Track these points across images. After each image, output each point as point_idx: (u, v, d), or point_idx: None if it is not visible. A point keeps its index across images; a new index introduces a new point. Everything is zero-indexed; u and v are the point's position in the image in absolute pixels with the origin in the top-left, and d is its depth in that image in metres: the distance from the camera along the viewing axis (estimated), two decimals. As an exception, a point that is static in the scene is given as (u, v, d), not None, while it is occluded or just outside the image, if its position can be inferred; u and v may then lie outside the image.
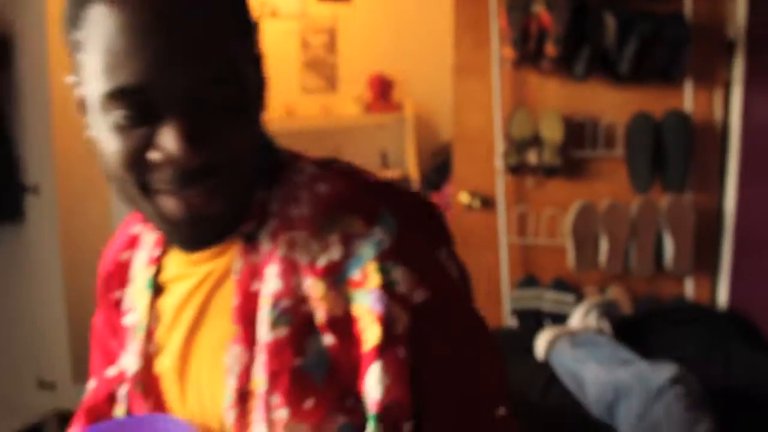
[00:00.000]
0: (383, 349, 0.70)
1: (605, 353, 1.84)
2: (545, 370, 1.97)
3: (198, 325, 0.80)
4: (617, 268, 2.49)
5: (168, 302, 0.83)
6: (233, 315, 0.75)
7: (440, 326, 0.73)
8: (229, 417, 0.75)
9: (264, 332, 0.73)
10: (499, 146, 2.52)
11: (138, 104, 0.67)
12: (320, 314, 0.72)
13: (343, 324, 0.72)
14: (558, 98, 2.51)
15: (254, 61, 0.76)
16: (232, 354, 0.75)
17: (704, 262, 2.53)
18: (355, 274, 0.72)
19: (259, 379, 0.73)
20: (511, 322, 2.55)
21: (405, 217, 0.75)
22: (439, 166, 3.18)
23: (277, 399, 0.72)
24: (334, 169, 0.80)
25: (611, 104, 2.50)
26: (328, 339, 0.72)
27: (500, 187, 2.55)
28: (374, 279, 0.71)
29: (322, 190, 0.76)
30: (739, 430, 1.55)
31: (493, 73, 2.51)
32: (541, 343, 2.05)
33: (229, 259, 0.78)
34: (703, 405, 1.48)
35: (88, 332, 1.00)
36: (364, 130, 3.44)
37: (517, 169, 2.51)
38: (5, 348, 2.83)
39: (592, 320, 2.11)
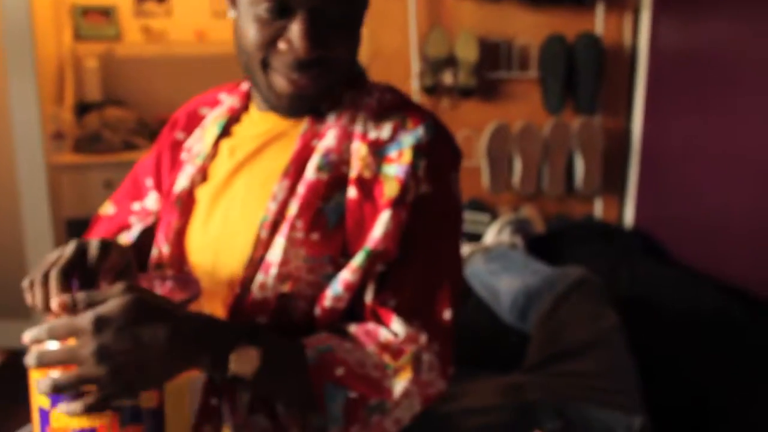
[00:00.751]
0: (396, 204, 0.91)
1: (518, 265, 1.90)
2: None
3: (245, 164, 0.99)
4: (530, 188, 2.55)
5: (229, 142, 1.03)
6: (291, 157, 0.95)
7: (428, 218, 0.93)
8: (263, 233, 0.93)
9: (310, 172, 0.93)
10: (415, 66, 2.52)
11: (279, 4, 0.87)
12: (354, 171, 0.93)
13: (368, 184, 0.93)
14: (473, 18, 2.51)
15: None
16: (282, 186, 0.94)
17: (612, 183, 2.62)
18: (393, 154, 0.94)
19: (293, 207, 0.93)
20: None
21: (440, 134, 0.96)
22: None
23: (300, 223, 0.92)
24: (401, 92, 1.02)
25: (525, 25, 2.52)
26: (352, 192, 0.93)
27: (416, 108, 2.55)
28: (407, 158, 0.93)
29: (388, 97, 0.99)
30: (642, 335, 1.63)
31: (408, -9, 2.49)
32: (457, 259, 2.09)
33: (294, 123, 0.98)
34: (609, 304, 1.55)
35: None
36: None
37: (432, 90, 2.52)
38: None
39: (506, 236, 2.16)
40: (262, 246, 0.93)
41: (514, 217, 2.28)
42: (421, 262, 0.93)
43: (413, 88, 2.53)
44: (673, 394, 1.47)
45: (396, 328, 0.90)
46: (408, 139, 0.94)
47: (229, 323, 0.88)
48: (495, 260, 1.98)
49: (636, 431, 1.19)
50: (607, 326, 1.45)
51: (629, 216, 2.60)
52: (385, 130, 0.95)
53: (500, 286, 1.83)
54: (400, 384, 0.88)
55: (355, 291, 0.91)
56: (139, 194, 1.16)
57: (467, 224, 2.53)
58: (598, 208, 2.63)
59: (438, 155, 0.95)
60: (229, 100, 1.09)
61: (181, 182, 1.04)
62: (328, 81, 0.93)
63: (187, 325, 0.77)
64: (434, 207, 0.94)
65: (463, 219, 1.01)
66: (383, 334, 0.90)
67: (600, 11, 2.50)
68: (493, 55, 2.52)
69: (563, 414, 1.19)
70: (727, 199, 2.16)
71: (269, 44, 0.89)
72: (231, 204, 0.99)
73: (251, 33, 0.90)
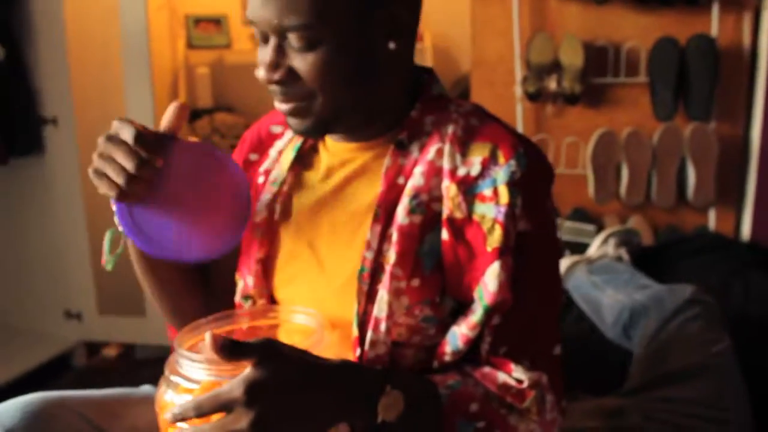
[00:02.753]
0: (503, 253, 0.87)
1: (623, 279, 1.83)
2: (562, 295, 1.96)
3: (330, 199, 0.98)
4: (638, 198, 2.45)
5: (311, 175, 1.02)
6: (377, 199, 0.93)
7: (531, 257, 0.90)
8: (364, 285, 0.91)
9: (401, 216, 0.90)
10: (518, 73, 2.47)
11: (259, 30, 0.89)
12: (445, 211, 0.90)
13: (460, 225, 0.89)
14: (579, 22, 2.44)
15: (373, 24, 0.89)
16: (374, 232, 0.91)
17: (728, 193, 2.48)
18: (487, 191, 0.89)
19: (390, 254, 0.90)
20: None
21: (533, 162, 0.91)
22: (459, 97, 3.13)
23: (399, 272, 0.89)
24: (485, 111, 0.98)
25: (634, 28, 2.42)
26: (444, 234, 0.90)
27: (519, 115, 2.51)
28: (504, 197, 0.88)
29: (474, 123, 0.94)
30: (756, 357, 1.54)
31: (512, -4, 2.45)
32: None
33: (374, 155, 0.96)
34: (720, 326, 1.47)
35: None
36: (382, 62, 3.40)
37: (536, 97, 2.46)
38: (32, 279, 2.87)
39: (611, 248, 2.09)
40: (364, 298, 0.91)
41: (620, 228, 2.20)
42: (528, 304, 0.91)
43: (517, 95, 2.49)
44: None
45: (518, 375, 0.89)
46: (502, 175, 0.89)
47: (368, 368, 0.88)
48: (599, 272, 1.91)
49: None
50: (718, 350, 1.37)
51: (746, 228, 2.46)
52: (475, 166, 0.90)
53: (603, 300, 1.77)
54: (524, 424, 0.87)
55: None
56: None
57: (570, 234, 2.46)
58: (712, 220, 2.50)
59: (533, 188, 0.91)
60: None
61: (261, 211, 1.03)
62: (317, 107, 0.90)
63: (337, 379, 0.79)
64: (535, 245, 0.90)
65: (560, 243, 0.97)
66: (501, 376, 0.89)
67: (715, 11, 2.37)
68: (600, 59, 2.45)
69: (665, 443, 1.13)
70: None
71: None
72: (316, 243, 0.98)
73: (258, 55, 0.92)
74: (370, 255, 0.91)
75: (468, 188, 0.90)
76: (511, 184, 0.88)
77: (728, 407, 1.26)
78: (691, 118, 2.41)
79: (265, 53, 0.88)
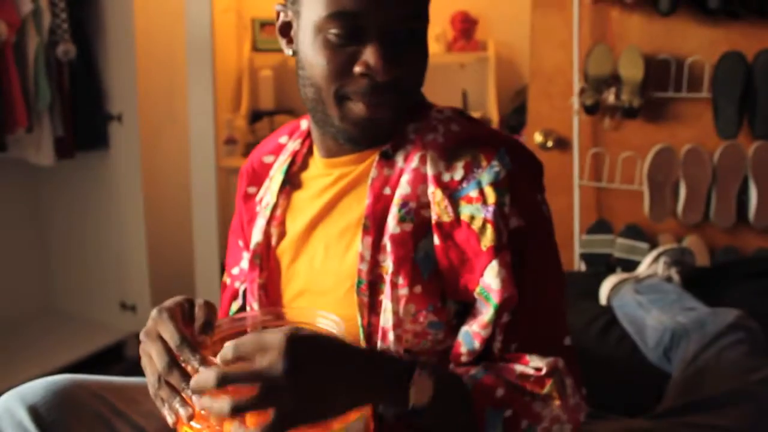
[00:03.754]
0: (497, 250, 0.88)
1: (669, 300, 1.77)
2: (607, 314, 1.91)
3: (323, 216, 0.99)
4: (696, 217, 2.38)
5: (302, 195, 1.02)
6: (366, 211, 0.93)
7: (528, 252, 0.90)
8: (363, 297, 0.92)
9: (392, 226, 0.91)
10: (576, 85, 2.43)
11: (350, 27, 0.86)
12: (434, 217, 0.90)
13: (448, 229, 0.90)
14: (640, 34, 2.38)
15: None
16: (366, 243, 0.92)
17: (793, 215, 2.38)
18: (472, 193, 0.89)
19: (388, 264, 0.91)
20: (580, 266, 2.49)
21: (517, 159, 0.92)
22: (518, 108, 3.09)
23: (401, 280, 0.90)
24: (465, 115, 0.99)
25: (698, 42, 2.35)
26: (435, 239, 0.90)
27: (576, 127, 2.46)
28: (491, 197, 0.89)
29: (454, 129, 0.95)
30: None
31: (573, 6, 2.40)
32: (606, 287, 1.99)
33: (363, 168, 0.96)
34: (764, 353, 1.40)
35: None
36: (445, 69, 3.37)
37: (593, 109, 2.41)
38: (91, 270, 2.97)
39: (661, 267, 2.03)
40: (366, 310, 0.92)
41: (672, 247, 2.13)
42: (534, 299, 0.91)
43: (574, 107, 2.45)
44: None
45: (535, 363, 0.89)
46: (486, 176, 0.90)
47: (398, 356, 0.90)
48: (645, 292, 1.86)
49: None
50: (759, 378, 1.31)
51: (811, 253, 2.35)
52: (458, 172, 0.91)
53: (648, 321, 1.72)
54: (548, 410, 0.86)
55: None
56: (236, 258, 1.16)
57: (622, 251, 2.40)
58: (774, 243, 2.40)
59: (520, 185, 0.91)
60: (290, 144, 1.08)
61: (255, 236, 1.04)
62: (403, 104, 0.92)
63: (370, 361, 0.80)
64: (531, 240, 0.91)
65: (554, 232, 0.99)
66: (518, 368, 0.89)
67: (787, 26, 2.28)
68: (661, 73, 2.38)
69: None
70: None
71: (343, 71, 0.88)
72: (312, 261, 0.99)
73: (321, 62, 0.88)
74: (364, 267, 0.92)
75: (453, 192, 0.91)
76: (497, 184, 0.89)
77: (763, 438, 1.21)
78: (756, 136, 2.32)
79: (374, 52, 0.86)
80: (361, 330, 0.92)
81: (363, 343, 0.92)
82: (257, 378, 0.71)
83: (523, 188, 0.92)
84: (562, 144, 2.51)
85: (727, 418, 1.22)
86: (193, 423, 0.80)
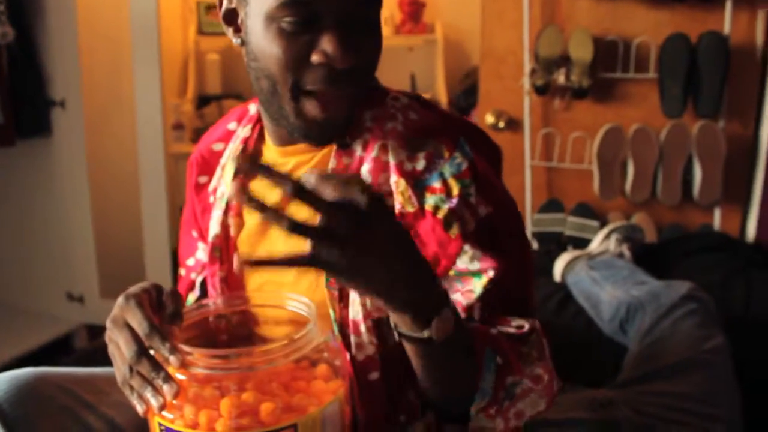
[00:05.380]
0: (467, 237, 0.88)
1: (622, 275, 1.82)
2: (562, 290, 1.96)
3: (281, 206, 0.88)
4: (643, 195, 2.44)
5: (257, 184, 0.92)
6: None
7: (499, 233, 0.90)
8: (333, 291, 0.90)
9: None
10: (527, 66, 2.46)
11: (305, 14, 0.82)
12: (397, 206, 0.89)
13: (411, 219, 0.89)
14: (589, 16, 2.42)
15: None
16: None
17: (734, 192, 2.46)
18: (436, 184, 0.89)
19: None
20: (532, 245, 2.53)
21: (477, 147, 0.92)
22: (467, 90, 3.12)
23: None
24: (422, 101, 0.98)
25: (645, 23, 2.40)
26: None
27: (527, 107, 2.50)
28: (455, 189, 0.88)
29: (413, 117, 0.93)
30: (755, 359, 1.52)
31: (523, -12, 2.43)
32: (560, 264, 2.03)
33: (321, 157, 0.94)
34: (715, 323, 1.45)
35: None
36: (393, 52, 3.37)
37: (544, 90, 2.45)
38: (36, 261, 2.89)
39: (613, 244, 2.08)
40: (337, 303, 0.91)
41: (623, 224, 2.18)
42: (509, 276, 0.90)
43: (525, 88, 2.48)
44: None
45: (517, 322, 0.89)
46: (448, 168, 0.90)
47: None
48: (599, 268, 1.90)
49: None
50: (711, 347, 1.36)
51: (752, 228, 2.43)
52: (420, 162, 0.90)
53: (602, 296, 1.76)
54: (529, 369, 0.86)
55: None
56: (191, 249, 1.13)
57: (574, 229, 2.45)
58: (717, 219, 2.48)
59: (483, 173, 0.91)
60: (240, 131, 1.04)
61: (213, 228, 1.01)
62: (358, 96, 0.90)
63: (428, 264, 0.76)
64: (502, 222, 0.92)
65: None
66: (500, 328, 0.88)
67: (728, 9, 2.34)
68: (609, 54, 2.43)
69: (652, 436, 1.13)
70: None
71: (300, 61, 0.84)
72: (274, 251, 0.94)
73: (276, 53, 0.84)
74: None
75: (416, 182, 0.90)
76: (459, 176, 0.89)
77: (719, 403, 1.25)
78: (700, 116, 2.39)
79: (331, 39, 0.82)
80: (335, 325, 0.91)
81: (339, 337, 0.90)
82: (333, 208, 0.66)
83: (486, 176, 0.92)
84: (514, 124, 2.54)
85: (684, 385, 1.26)
86: (164, 413, 0.79)
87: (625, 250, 2.04)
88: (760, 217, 2.40)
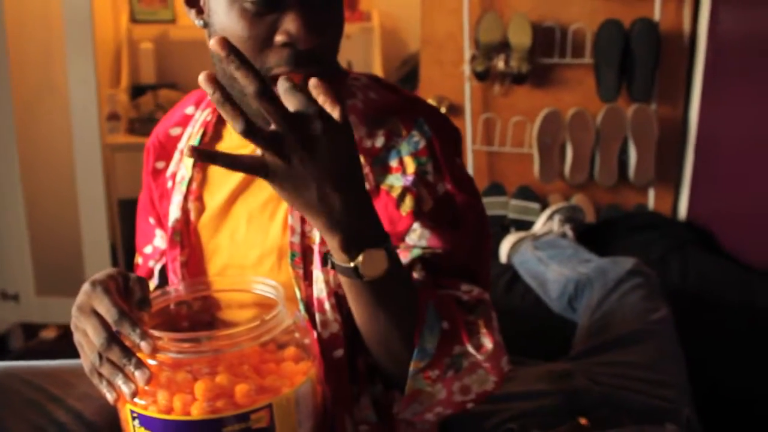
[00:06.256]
0: (417, 215, 0.88)
1: (567, 254, 1.87)
2: (508, 271, 2.00)
3: (243, 189, 0.96)
4: (582, 177, 2.51)
5: (218, 168, 0.92)
6: None
7: (458, 208, 0.91)
8: (299, 270, 0.90)
9: None
10: (467, 52, 2.49)
11: None
12: None
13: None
14: (527, 2, 2.47)
15: None
16: (295, 215, 0.90)
17: (667, 173, 2.56)
18: (393, 162, 0.90)
19: (315, 234, 0.90)
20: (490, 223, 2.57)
21: (435, 126, 0.92)
22: (405, 77, 3.14)
23: (325, 249, 0.85)
24: (381, 82, 0.98)
25: (580, 10, 2.46)
26: None
27: (467, 93, 2.53)
28: (410, 167, 0.89)
29: (372, 96, 0.94)
30: (693, 330, 1.59)
31: (462, -25, 2.46)
32: (505, 246, 2.07)
33: None
34: (659, 296, 1.52)
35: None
36: (330, 41, 3.38)
37: (484, 76, 2.49)
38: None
39: (555, 224, 2.13)
40: (302, 282, 0.91)
41: (564, 205, 2.24)
42: (465, 252, 0.91)
43: (465, 74, 2.51)
44: (722, 392, 1.43)
45: (465, 286, 0.88)
46: (405, 146, 0.91)
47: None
48: (544, 248, 1.95)
49: (682, 424, 1.16)
50: (657, 318, 1.42)
51: (683, 207, 2.53)
52: (379, 139, 0.91)
53: (548, 275, 1.81)
54: (476, 338, 0.85)
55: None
56: (148, 236, 1.12)
57: (516, 212, 2.50)
58: (651, 199, 2.57)
59: (441, 152, 0.92)
60: (199, 115, 1.03)
61: (173, 213, 1.00)
62: (323, 75, 0.87)
63: (369, 197, 0.78)
64: (458, 198, 0.92)
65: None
66: (450, 291, 0.88)
67: (658, -4, 2.43)
68: (547, 40, 2.48)
69: (609, 402, 1.17)
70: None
71: (263, 42, 0.83)
72: (234, 235, 0.97)
73: (239, 34, 0.83)
74: (296, 239, 0.91)
75: (375, 159, 0.91)
76: (416, 154, 0.90)
77: (666, 370, 1.31)
78: (633, 99, 2.47)
79: (295, 19, 0.82)
80: (300, 304, 0.91)
81: (305, 316, 0.90)
82: (288, 118, 0.69)
83: (444, 155, 0.92)
84: (454, 110, 2.58)
85: (634, 355, 1.31)
86: (137, 399, 0.78)
87: (568, 230, 2.09)
88: (691, 196, 2.50)
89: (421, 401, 0.86)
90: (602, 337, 1.39)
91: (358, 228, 0.76)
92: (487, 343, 0.85)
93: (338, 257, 0.77)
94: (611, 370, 1.27)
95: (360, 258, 0.75)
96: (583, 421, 1.09)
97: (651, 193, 2.57)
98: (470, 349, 0.84)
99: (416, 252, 0.88)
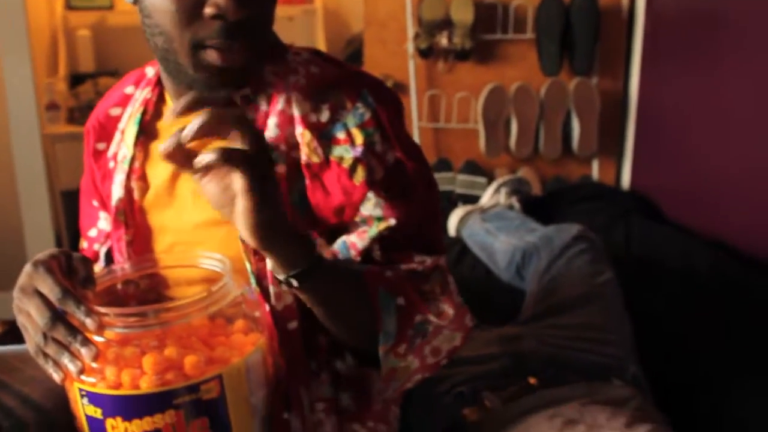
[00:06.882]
0: (370, 183, 0.90)
1: (514, 225, 1.90)
2: (457, 244, 2.02)
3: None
4: (527, 151, 2.54)
5: (159, 144, 0.94)
6: None
7: (409, 176, 0.93)
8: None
9: None
10: (410, 30, 2.50)
11: None
12: (303, 158, 0.91)
13: (317, 169, 0.91)
14: (468, -22, 2.48)
15: None
16: None
17: (609, 144, 2.61)
18: (340, 134, 0.91)
19: None
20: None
21: (379, 97, 0.93)
22: (349, 57, 3.13)
23: None
24: (323, 56, 0.99)
25: (521, -15, 2.49)
26: (306, 181, 0.91)
27: (411, 71, 2.54)
28: (358, 138, 0.90)
29: (314, 71, 0.94)
30: (636, 292, 1.63)
31: (403, -47, 2.46)
32: (454, 220, 2.09)
33: None
34: (604, 260, 1.55)
35: None
36: (273, 23, 3.35)
37: (428, 53, 2.50)
38: None
39: (502, 197, 2.16)
40: (252, 255, 0.90)
41: (510, 178, 2.27)
42: (416, 220, 0.93)
43: (409, 52, 2.51)
44: (665, 351, 1.47)
45: (419, 258, 0.91)
46: (351, 119, 0.91)
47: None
48: (491, 220, 1.98)
49: (628, 380, 1.20)
50: (602, 281, 1.46)
51: (626, 177, 2.59)
52: (324, 113, 0.92)
53: (497, 246, 1.84)
54: (434, 305, 0.89)
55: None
56: (92, 219, 1.11)
57: (463, 187, 2.53)
58: (595, 170, 2.62)
59: (387, 122, 0.93)
60: (139, 94, 1.02)
61: (116, 193, 0.99)
62: (260, 47, 0.89)
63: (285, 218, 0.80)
64: (409, 165, 0.94)
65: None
66: (403, 266, 0.90)
67: (596, -29, 2.47)
68: (489, 16, 2.50)
69: (557, 363, 1.20)
70: (724, 160, 2.15)
71: (193, 15, 0.83)
72: (180, 212, 0.97)
73: (168, 8, 0.83)
74: None
75: (321, 133, 0.91)
76: (363, 125, 0.91)
77: (613, 330, 1.35)
78: (575, 73, 2.51)
79: None
80: (252, 277, 0.91)
81: (257, 288, 0.90)
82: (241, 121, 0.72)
83: (390, 125, 0.93)
84: (399, 88, 2.58)
85: (581, 317, 1.35)
86: (85, 377, 0.77)
87: (515, 202, 2.12)
88: (633, 167, 2.56)
89: (398, 377, 0.90)
90: (550, 301, 1.43)
91: (292, 246, 0.80)
92: (447, 308, 0.90)
93: (276, 273, 0.82)
94: (559, 332, 1.30)
95: (294, 274, 0.80)
96: (532, 380, 1.12)
97: (595, 165, 2.62)
98: (431, 317, 0.88)
99: (373, 232, 0.90)
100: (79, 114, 2.98)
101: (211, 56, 0.85)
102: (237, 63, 0.86)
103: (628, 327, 1.38)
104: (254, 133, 0.72)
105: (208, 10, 0.82)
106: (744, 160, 2.08)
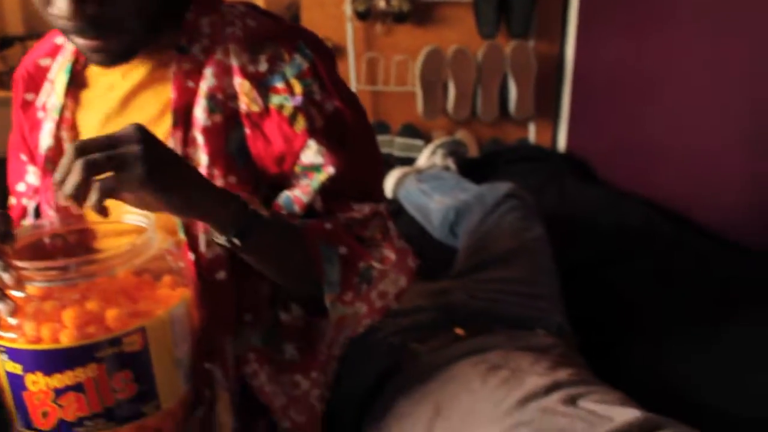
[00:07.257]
0: (311, 132, 0.91)
1: (449, 185, 1.92)
2: (392, 205, 2.03)
3: (118, 113, 0.95)
4: (464, 113, 2.56)
5: (90, 93, 0.97)
6: (171, 105, 0.91)
7: (348, 125, 0.95)
8: None
9: (202, 118, 0.91)
10: (347, -9, 2.48)
11: None
12: (243, 107, 0.92)
13: (257, 118, 0.92)
14: (405, -60, 2.47)
15: None
16: (176, 138, 0.91)
17: (546, 107, 2.64)
18: (279, 84, 0.92)
19: (202, 158, 0.90)
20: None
21: (315, 49, 0.95)
22: (290, 21, 3.10)
23: (215, 171, 0.90)
24: (258, 9, 0.99)
25: (457, -53, 2.49)
26: (246, 130, 0.92)
27: (349, 33, 2.52)
28: (297, 88, 0.92)
29: (251, 24, 0.94)
30: (567, 249, 1.67)
31: None
32: (390, 181, 2.10)
33: (156, 62, 0.93)
34: (535, 216, 1.59)
35: None
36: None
37: (365, 16, 2.48)
38: None
39: (439, 158, 2.18)
40: None
41: (447, 139, 2.29)
42: (357, 166, 0.95)
43: (346, 14, 2.50)
44: (596, 307, 1.51)
45: (357, 206, 0.93)
46: (290, 69, 0.92)
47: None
48: (427, 181, 1.99)
49: (553, 331, 1.23)
50: (532, 236, 1.49)
51: (562, 140, 2.63)
52: (262, 64, 0.92)
53: (431, 205, 1.86)
54: (377, 251, 0.92)
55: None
56: (20, 174, 1.08)
57: (401, 149, 2.54)
58: (532, 133, 2.66)
59: (325, 72, 0.95)
60: (69, 45, 1.01)
61: (45, 141, 0.98)
62: (118, 44, 0.85)
63: (207, 182, 0.82)
64: (347, 113, 0.96)
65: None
66: (342, 216, 0.93)
67: (532, -67, 2.47)
68: (426, -22, 2.49)
69: (485, 314, 1.22)
70: (656, 122, 2.20)
71: (44, 10, 0.81)
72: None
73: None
74: None
75: (260, 82, 0.92)
76: (301, 75, 0.93)
77: (542, 284, 1.38)
78: (512, 36, 2.52)
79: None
80: (180, 226, 0.91)
81: (183, 237, 0.91)
82: (114, 141, 0.72)
83: (327, 75, 0.95)
84: (337, 51, 2.56)
85: (510, 271, 1.37)
86: (3, 333, 0.76)
87: (451, 163, 2.14)
88: (569, 129, 2.60)
89: (348, 324, 0.93)
90: (480, 255, 1.45)
91: (223, 209, 0.81)
92: (389, 253, 0.93)
93: (218, 238, 0.84)
94: (489, 286, 1.32)
95: (235, 233, 0.82)
96: (459, 331, 1.14)
97: (532, 127, 2.65)
98: (374, 263, 0.91)
99: (315, 184, 0.92)
100: (7, 78, 2.89)
101: (76, 42, 0.84)
102: (103, 60, 0.86)
103: (556, 281, 1.41)
104: (121, 154, 0.71)
105: (50, 10, 0.80)
106: (675, 122, 2.13)
